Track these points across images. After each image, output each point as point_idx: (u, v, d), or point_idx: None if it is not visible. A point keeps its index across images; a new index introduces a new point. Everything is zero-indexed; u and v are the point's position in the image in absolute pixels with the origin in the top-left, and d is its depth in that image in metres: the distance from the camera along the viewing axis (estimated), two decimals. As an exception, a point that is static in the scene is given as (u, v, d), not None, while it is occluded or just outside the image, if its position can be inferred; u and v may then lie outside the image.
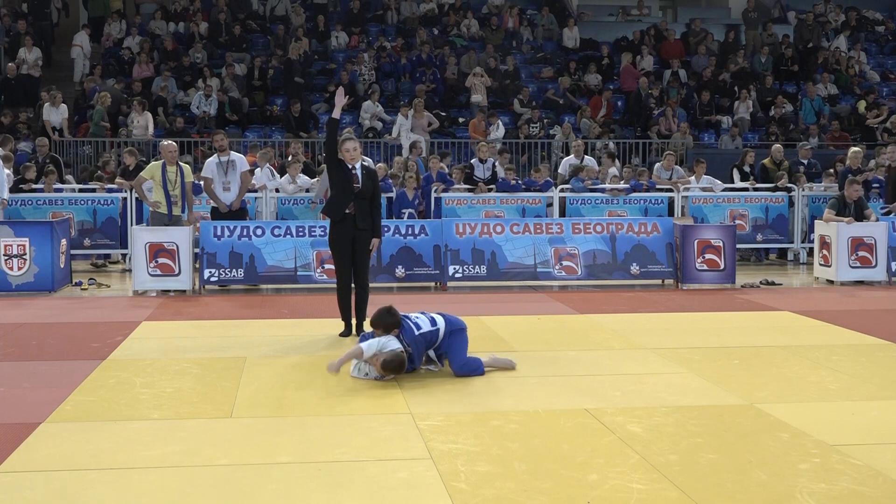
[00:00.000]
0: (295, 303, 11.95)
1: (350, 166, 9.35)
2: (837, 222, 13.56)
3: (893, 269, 13.75)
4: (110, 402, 7.00)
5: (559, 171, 17.42)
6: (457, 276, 13.09)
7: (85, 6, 24.65)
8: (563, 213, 15.74)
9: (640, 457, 5.65)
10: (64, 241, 13.28)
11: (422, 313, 7.90)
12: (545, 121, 21.25)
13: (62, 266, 13.14)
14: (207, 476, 5.36)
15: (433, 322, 7.78)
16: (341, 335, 9.46)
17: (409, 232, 13.10)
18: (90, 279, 13.72)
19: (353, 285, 9.53)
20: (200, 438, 6.07)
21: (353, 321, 9.53)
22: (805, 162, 17.71)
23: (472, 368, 7.73)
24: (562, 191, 16.13)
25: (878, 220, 14.00)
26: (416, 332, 7.64)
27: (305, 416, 6.62)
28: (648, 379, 7.74)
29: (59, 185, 15.81)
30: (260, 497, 5.05)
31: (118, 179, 15.71)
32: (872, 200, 15.37)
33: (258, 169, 15.32)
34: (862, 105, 22.93)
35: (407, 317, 7.77)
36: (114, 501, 5.01)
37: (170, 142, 13.32)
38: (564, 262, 13.29)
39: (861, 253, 13.62)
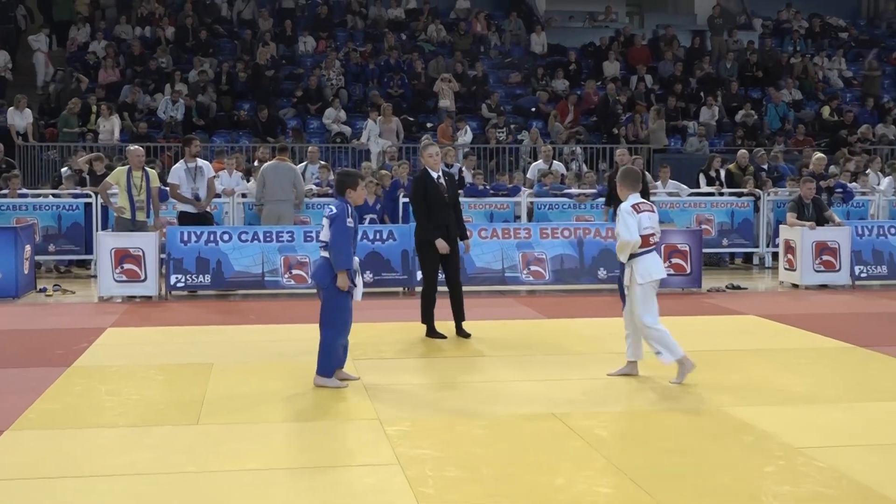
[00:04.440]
0: (262, 308, 11.91)
1: (435, 175, 9.45)
2: (801, 226, 13.70)
3: (857, 273, 13.91)
4: (75, 409, 6.95)
5: (527, 175, 17.48)
6: (425, 281, 13.08)
7: (50, 11, 24.41)
8: (531, 218, 15.79)
9: (606, 461, 5.68)
10: (28, 247, 13.16)
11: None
12: (512, 126, 21.32)
13: (26, 272, 13.02)
14: (175, 483, 5.33)
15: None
16: (437, 337, 9.55)
17: (378, 237, 13.09)
18: (55, 285, 13.59)
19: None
20: (167, 445, 6.04)
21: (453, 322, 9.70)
22: (766, 167, 17.85)
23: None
24: (530, 196, 16.18)
25: (840, 222, 14.16)
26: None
27: (273, 422, 6.60)
28: (615, 383, 7.78)
29: (23, 191, 15.66)
30: (227, 504, 5.04)
31: (80, 160, 15.61)
32: (836, 205, 15.54)
33: (225, 173, 15.26)
34: (826, 110, 23.19)
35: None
36: (79, 509, 4.98)
37: (137, 147, 13.24)
38: (532, 267, 13.33)
39: (825, 257, 13.76)
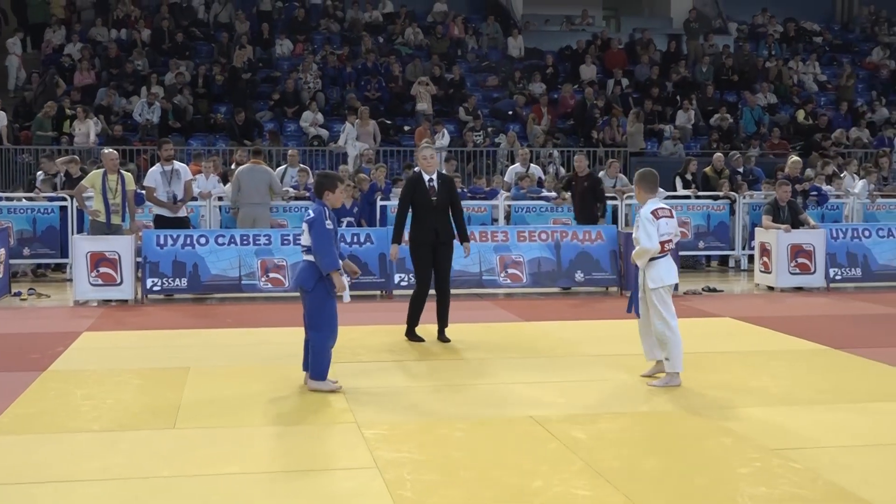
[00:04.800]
0: (239, 312, 11.86)
1: (427, 177, 9.46)
2: (777, 229, 13.79)
3: (832, 276, 14.00)
4: (50, 413, 6.89)
5: (505, 179, 17.50)
6: (402, 284, 13.06)
7: (24, 13, 24.23)
8: (508, 221, 15.81)
9: (584, 463, 5.69)
10: (2, 251, 13.05)
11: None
12: (490, 129, 21.35)
13: (1, 276, 12.91)
14: (151, 488, 5.30)
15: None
16: (415, 339, 9.58)
17: (355, 240, 13.07)
18: (30, 289, 13.49)
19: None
20: (143, 450, 6.00)
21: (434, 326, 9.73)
22: (741, 170, 17.96)
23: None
24: (507, 199, 16.20)
25: (815, 225, 14.26)
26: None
27: (250, 426, 6.58)
28: (593, 386, 7.80)
29: (-3, 194, 15.57)
30: (204, 508, 5.02)
31: (58, 162, 15.52)
32: (810, 208, 15.65)
33: (202, 176, 15.21)
34: (801, 114, 23.35)
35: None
36: (54, 515, 4.95)
37: (111, 150, 13.17)
38: (510, 270, 13.35)
39: (800, 260, 13.85)
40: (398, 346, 9.48)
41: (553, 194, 16.29)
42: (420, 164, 9.66)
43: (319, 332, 7.45)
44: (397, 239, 9.63)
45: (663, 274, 7.73)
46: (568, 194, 15.04)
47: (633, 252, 7.83)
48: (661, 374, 7.88)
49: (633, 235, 7.90)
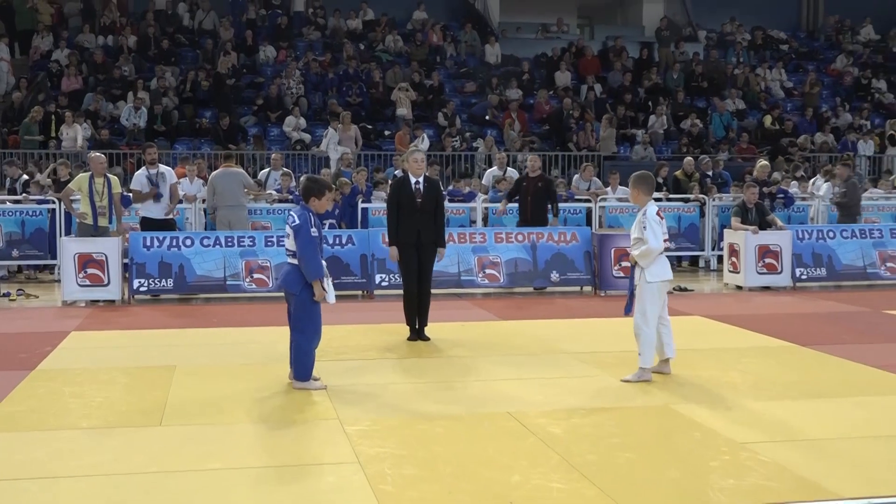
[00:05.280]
0: (224, 312, 11.82)
1: (414, 180, 9.43)
2: (745, 230, 13.86)
3: (798, 276, 14.09)
4: (39, 411, 6.85)
5: (483, 182, 17.52)
6: (383, 284, 13.07)
7: (12, 20, 24.06)
8: (486, 223, 15.82)
9: (560, 457, 5.71)
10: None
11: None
12: (468, 134, 21.36)
13: (-10, 277, 12.83)
14: (138, 483, 5.27)
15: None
16: (409, 339, 9.59)
17: (337, 241, 13.05)
18: (18, 290, 13.40)
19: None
20: (130, 447, 5.97)
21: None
22: (711, 174, 18.03)
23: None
24: (485, 201, 16.22)
25: (782, 226, 14.35)
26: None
27: (235, 423, 6.55)
28: (568, 382, 7.81)
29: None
30: None
31: (42, 176, 15.41)
32: (777, 210, 15.74)
33: (186, 180, 15.17)
34: (768, 119, 23.49)
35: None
36: (43, 511, 4.91)
37: (99, 154, 13.11)
38: (487, 271, 13.36)
39: (768, 260, 13.93)
40: (380, 344, 9.48)
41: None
42: (409, 167, 9.61)
43: (303, 333, 7.43)
44: (394, 240, 9.58)
45: (662, 270, 7.79)
46: (508, 205, 14.68)
47: (638, 252, 7.78)
48: (664, 372, 7.96)
49: (634, 236, 7.87)
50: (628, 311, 8.02)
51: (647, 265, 7.74)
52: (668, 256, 13.17)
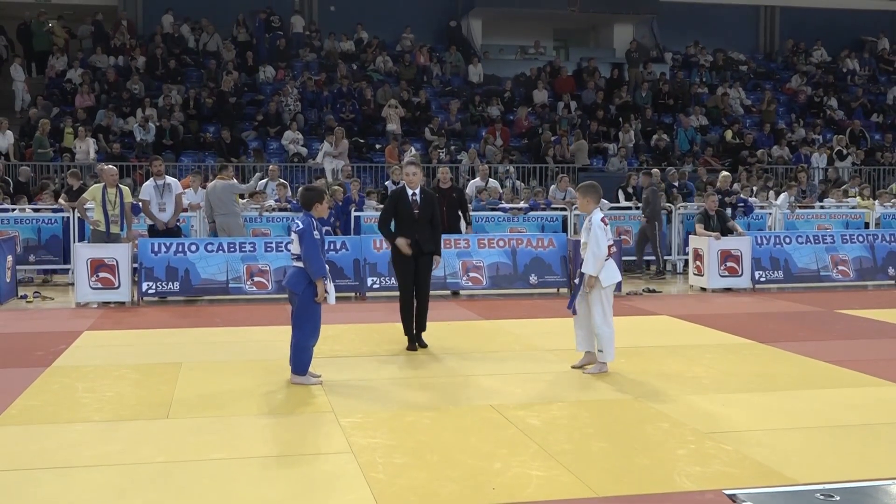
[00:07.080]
0: (227, 312, 11.77)
1: (411, 192, 9.07)
2: (708, 236, 13.90)
3: (757, 278, 14.13)
4: (54, 405, 6.81)
5: (466, 192, 17.51)
6: (374, 286, 13.04)
7: (30, 42, 23.99)
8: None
9: (538, 447, 5.70)
10: (10, 258, 12.88)
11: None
12: (452, 147, 21.37)
13: (8, 280, 12.74)
14: (145, 472, 5.24)
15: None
16: (408, 349, 9.01)
17: (332, 247, 13.02)
18: (35, 292, 13.31)
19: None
20: (139, 438, 5.94)
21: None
22: (677, 184, 18.10)
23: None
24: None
25: (742, 232, 14.40)
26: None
27: (237, 416, 6.52)
28: (546, 377, 7.81)
29: (5, 206, 15.33)
30: (194, 491, 4.96)
31: (61, 200, 15.31)
32: (738, 218, 15.79)
33: (191, 190, 15.12)
34: (729, 134, 23.59)
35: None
36: (57, 497, 4.87)
37: (110, 166, 13.06)
38: (471, 274, 13.35)
39: (729, 264, 13.97)
40: (372, 342, 9.46)
41: (509, 206, 16.31)
42: (405, 180, 9.19)
43: (303, 330, 7.41)
44: (393, 237, 9.07)
45: (611, 274, 7.81)
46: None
47: (590, 258, 7.76)
48: (592, 363, 7.96)
49: (583, 241, 7.91)
50: (570, 306, 8.07)
51: (597, 271, 7.73)
52: (636, 260, 13.15)
